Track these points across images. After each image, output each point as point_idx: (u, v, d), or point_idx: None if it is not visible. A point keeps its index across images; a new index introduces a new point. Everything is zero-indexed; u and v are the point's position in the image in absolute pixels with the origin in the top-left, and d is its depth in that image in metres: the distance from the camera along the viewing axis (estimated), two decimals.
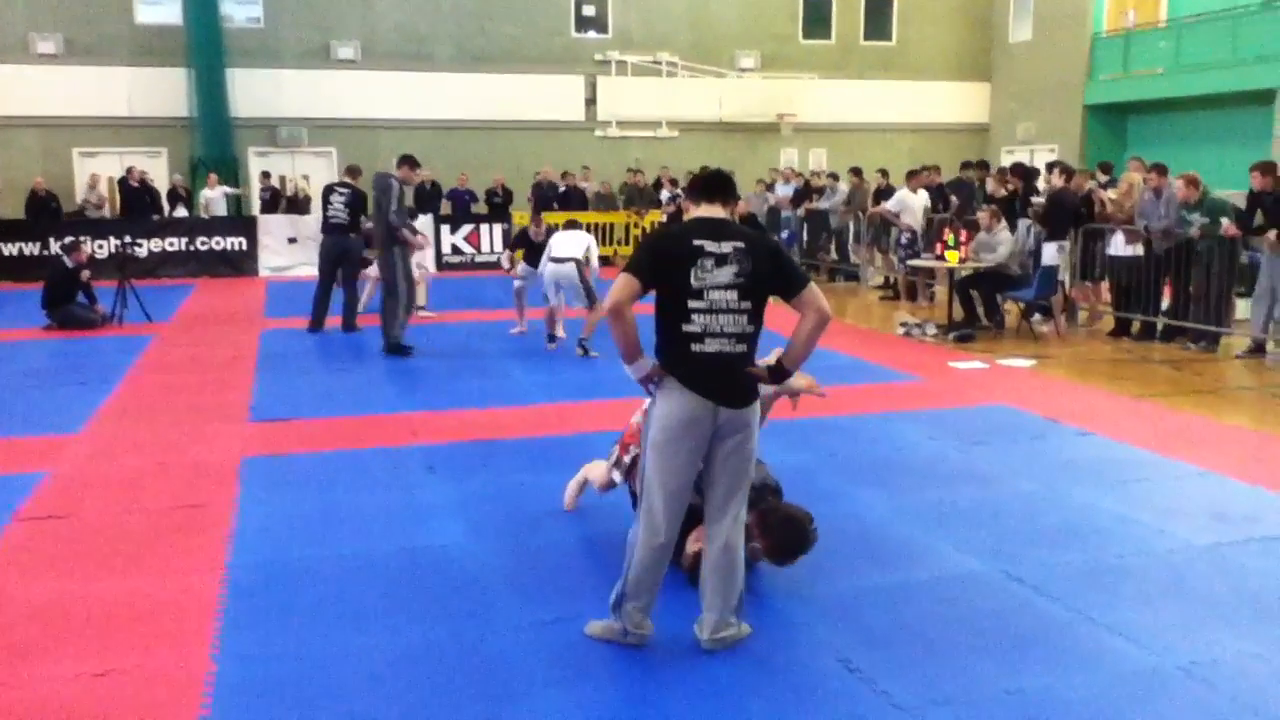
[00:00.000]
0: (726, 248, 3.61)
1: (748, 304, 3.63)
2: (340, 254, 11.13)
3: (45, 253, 15.97)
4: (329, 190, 11.37)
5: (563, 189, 19.24)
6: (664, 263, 3.61)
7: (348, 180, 11.33)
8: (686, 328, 3.59)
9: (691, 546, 4.31)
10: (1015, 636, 3.94)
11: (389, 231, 9.68)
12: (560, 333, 10.33)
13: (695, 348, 3.59)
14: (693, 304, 3.58)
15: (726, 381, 3.64)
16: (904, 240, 13.91)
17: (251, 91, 19.94)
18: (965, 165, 14.49)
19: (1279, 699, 3.45)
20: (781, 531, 4.28)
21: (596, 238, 12.32)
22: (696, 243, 3.60)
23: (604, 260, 11.93)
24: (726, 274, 3.59)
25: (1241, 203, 10.26)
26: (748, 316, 3.65)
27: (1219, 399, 8.18)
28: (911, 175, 14.46)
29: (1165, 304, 10.70)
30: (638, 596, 3.75)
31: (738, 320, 3.62)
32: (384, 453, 6.52)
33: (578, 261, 9.62)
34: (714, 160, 20.55)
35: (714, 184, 3.81)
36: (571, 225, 11.05)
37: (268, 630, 4.00)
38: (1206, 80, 19.00)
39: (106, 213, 18.21)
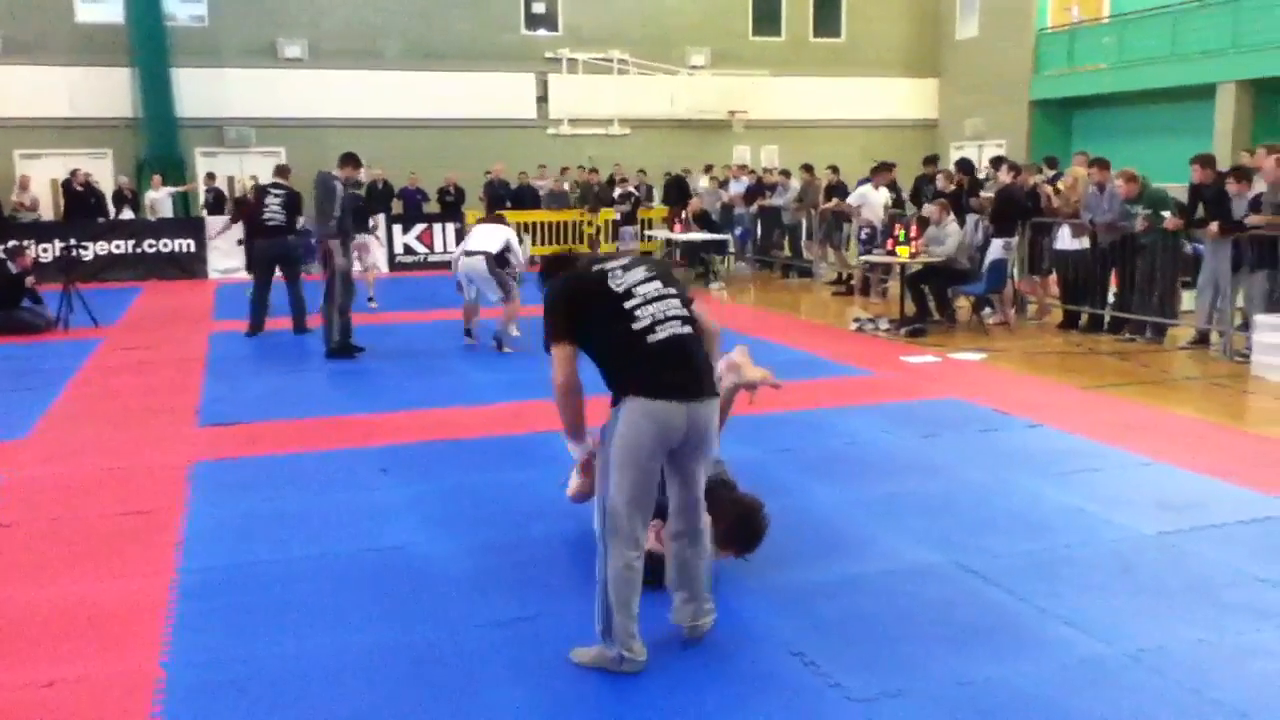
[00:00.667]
0: (623, 259, 3.78)
1: (672, 290, 3.70)
2: (279, 255, 10.98)
3: None
4: (262, 191, 11.28)
5: (514, 187, 19.17)
6: (580, 302, 3.65)
7: (280, 181, 11.21)
8: (636, 326, 3.58)
9: (649, 546, 4.30)
10: (966, 626, 3.98)
11: (327, 233, 9.54)
12: (475, 329, 10.32)
13: (650, 339, 3.58)
14: (629, 304, 3.60)
15: (688, 366, 3.62)
16: (863, 235, 14.03)
17: (197, 91, 19.67)
18: (928, 160, 14.61)
19: (1226, 684, 3.52)
20: (734, 521, 4.30)
21: (546, 238, 12.34)
22: (596, 268, 3.71)
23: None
24: (639, 272, 3.69)
25: (1183, 195, 10.46)
26: (679, 300, 3.70)
27: (1165, 389, 8.33)
28: (876, 171, 14.56)
29: (1112, 296, 10.87)
30: (627, 614, 3.61)
31: (671, 303, 3.66)
32: (337, 455, 6.46)
33: (487, 255, 9.68)
34: (668, 157, 20.65)
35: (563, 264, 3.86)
36: (496, 220, 11.04)
37: (219, 635, 3.95)
38: (1149, 75, 19.34)
39: (43, 215, 17.85)
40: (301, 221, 11.24)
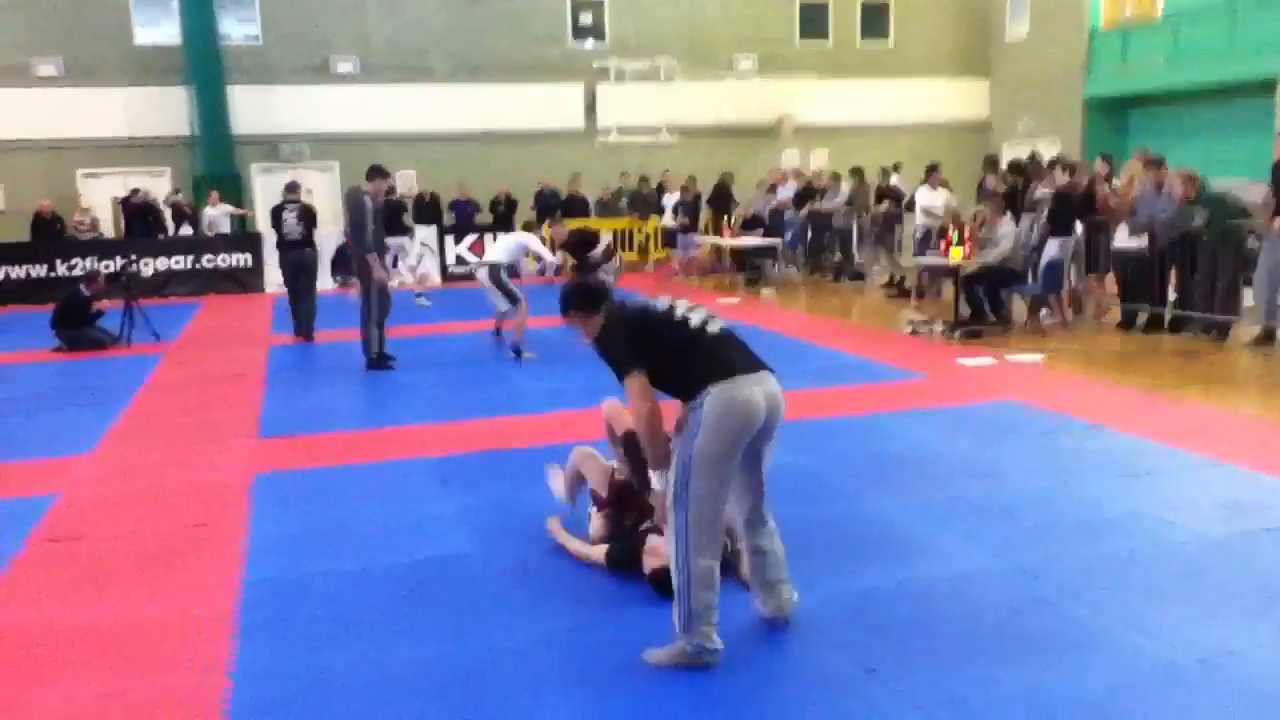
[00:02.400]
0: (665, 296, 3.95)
1: (700, 304, 3.91)
2: (301, 266, 11.89)
3: (52, 274, 16.06)
4: (279, 210, 12.09)
5: (564, 196, 19.26)
6: (636, 325, 3.80)
7: (292, 197, 12.08)
8: (693, 324, 3.76)
9: (650, 561, 4.33)
10: (1028, 633, 3.93)
11: (360, 249, 9.72)
12: (504, 333, 10.64)
13: (710, 329, 3.77)
14: (678, 313, 3.80)
15: (748, 348, 3.81)
16: (917, 236, 13.94)
17: (252, 108, 20.02)
18: (988, 163, 14.46)
19: None
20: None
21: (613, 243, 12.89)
22: (647, 306, 3.88)
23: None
24: (682, 303, 3.88)
25: (1244, 193, 10.25)
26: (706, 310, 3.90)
27: (1229, 388, 8.16)
28: (930, 172, 14.49)
29: (1172, 295, 10.68)
30: (711, 609, 3.66)
31: (711, 311, 3.88)
32: (393, 465, 6.53)
33: (491, 266, 10.12)
34: (715, 164, 20.60)
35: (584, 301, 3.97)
36: (527, 228, 11.70)
37: (282, 647, 4.01)
38: (1205, 70, 18.96)
39: (103, 234, 18.24)
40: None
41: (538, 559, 4.84)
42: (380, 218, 9.87)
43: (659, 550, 4.18)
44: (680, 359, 3.69)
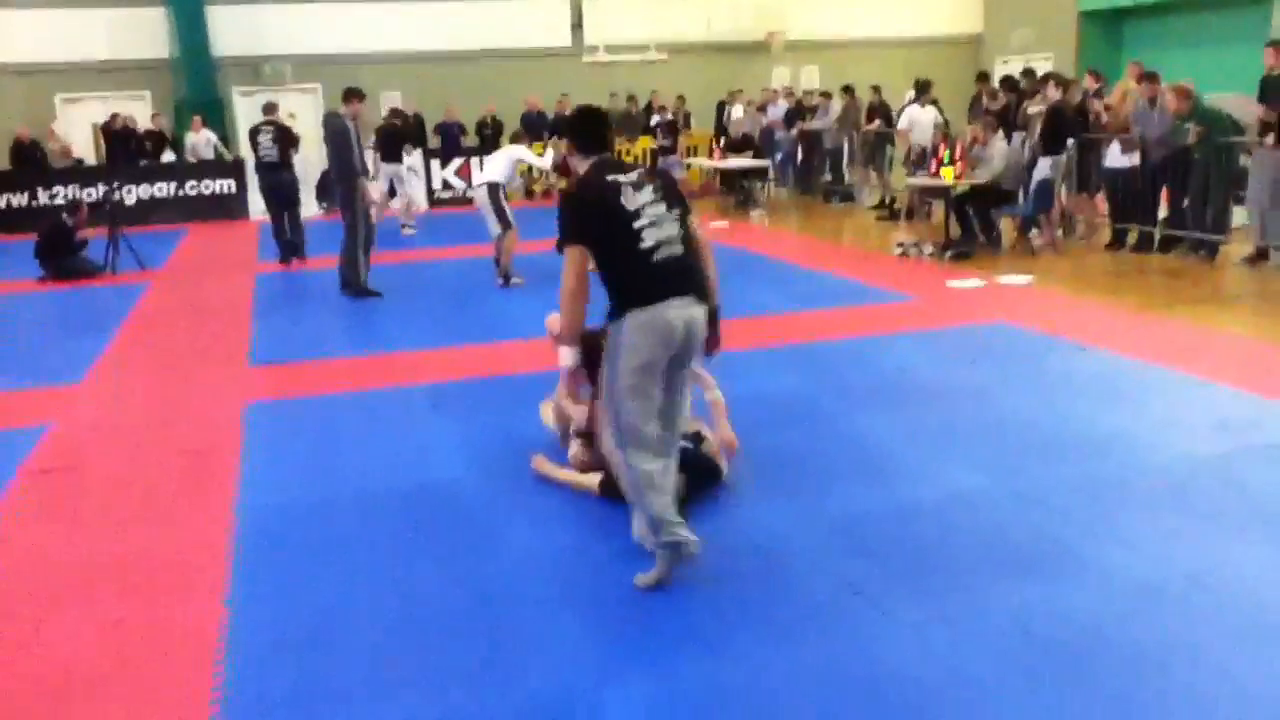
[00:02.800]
0: (634, 175, 3.86)
1: (676, 211, 3.85)
2: (276, 188, 11.76)
3: (34, 203, 15.83)
4: (255, 131, 11.97)
5: (551, 117, 19.01)
6: (595, 210, 3.78)
7: (270, 118, 11.92)
8: (642, 246, 3.74)
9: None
10: (1019, 551, 3.98)
11: (347, 173, 9.61)
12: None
13: (656, 259, 3.75)
14: (637, 224, 3.75)
15: (686, 279, 3.79)
16: (913, 158, 13.79)
17: (232, 28, 19.61)
18: (980, 78, 14.21)
19: None
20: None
21: None
22: (610, 179, 3.81)
23: None
24: (648, 192, 3.81)
25: (1237, 107, 10.15)
26: (679, 222, 3.85)
27: (1217, 308, 8.18)
28: (920, 90, 14.26)
29: (1162, 213, 10.63)
30: (670, 513, 3.79)
31: (674, 225, 3.82)
32: (386, 392, 6.53)
33: (489, 185, 9.85)
34: (705, 81, 20.32)
35: (597, 134, 4.00)
36: (515, 139, 11.12)
37: (279, 575, 4.04)
38: None
39: (85, 160, 17.99)
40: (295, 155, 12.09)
41: (533, 483, 4.88)
42: (359, 140, 9.73)
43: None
44: (620, 267, 3.76)
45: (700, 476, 4.56)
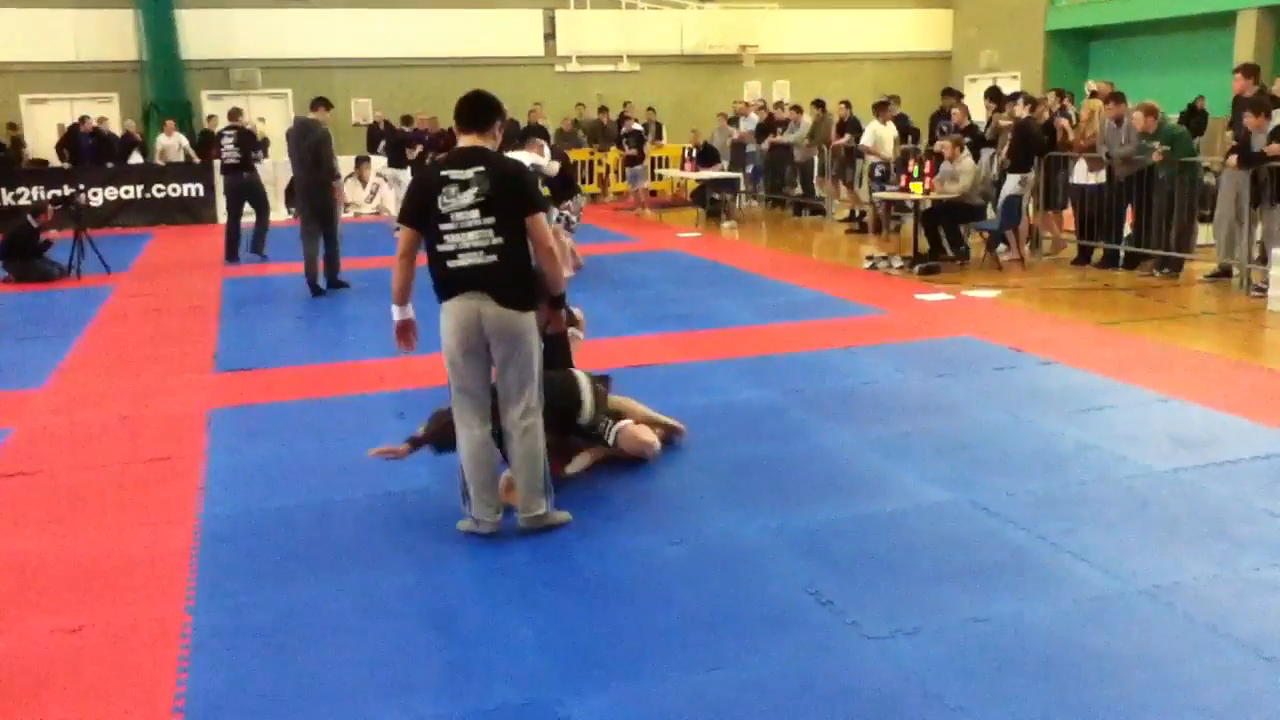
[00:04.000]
0: (469, 173, 4.13)
1: (491, 219, 4.12)
2: (239, 189, 12.45)
3: None
4: (219, 135, 13.02)
5: (524, 126, 18.99)
6: (421, 201, 4.21)
7: (232, 123, 12.62)
8: (441, 248, 4.15)
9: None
10: (981, 564, 4.01)
11: (325, 178, 10.09)
12: None
13: (451, 264, 4.16)
14: (443, 226, 4.14)
15: (479, 284, 4.15)
16: (877, 174, 13.89)
17: (202, 32, 19.49)
18: (946, 93, 14.34)
19: (1240, 619, 3.54)
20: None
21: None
22: (444, 173, 4.18)
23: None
24: (468, 196, 4.11)
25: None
26: (494, 230, 4.13)
27: (1180, 325, 8.28)
28: (880, 108, 14.37)
29: (1128, 230, 10.77)
30: (476, 486, 4.29)
31: (484, 234, 4.13)
32: (351, 400, 6.50)
33: None
34: (677, 94, 20.40)
35: (468, 114, 4.31)
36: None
37: (241, 581, 4.01)
38: (1167, 3, 18.96)
39: (51, 161, 17.84)
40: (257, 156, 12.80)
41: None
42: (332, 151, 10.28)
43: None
44: (429, 258, 4.23)
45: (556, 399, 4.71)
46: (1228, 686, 3.16)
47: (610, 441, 5.06)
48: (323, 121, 10.14)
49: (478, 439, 4.30)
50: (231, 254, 12.48)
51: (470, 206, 4.10)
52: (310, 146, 9.96)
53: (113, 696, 3.23)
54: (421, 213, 4.19)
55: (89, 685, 3.30)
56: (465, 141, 4.28)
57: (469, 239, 4.11)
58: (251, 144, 12.65)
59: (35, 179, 16.15)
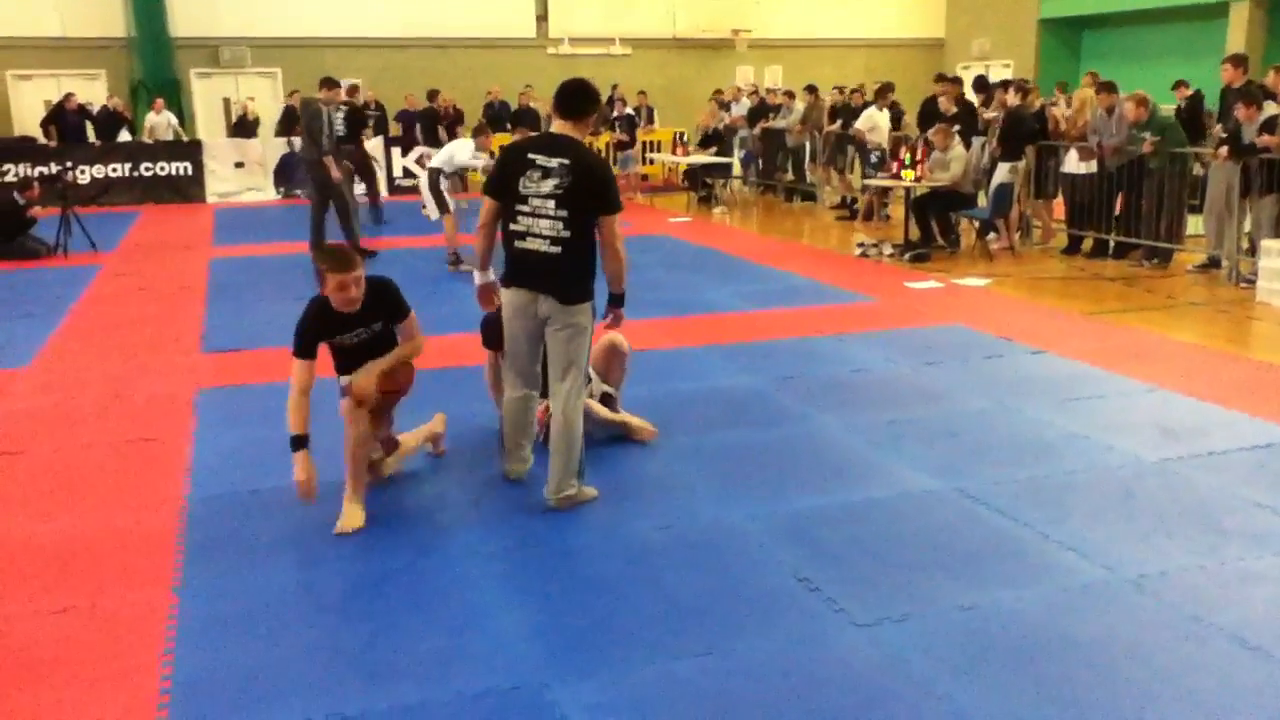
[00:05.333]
0: (554, 162, 4.23)
1: (565, 212, 4.21)
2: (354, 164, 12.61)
3: None
4: (321, 113, 12.83)
5: (514, 108, 18.93)
6: (505, 175, 4.33)
7: (348, 99, 12.97)
8: (514, 227, 4.29)
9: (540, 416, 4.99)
10: (969, 552, 4.02)
11: (316, 154, 10.46)
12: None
13: (518, 244, 4.30)
14: (519, 208, 4.27)
15: (542, 275, 4.29)
16: (873, 160, 13.87)
17: (191, 10, 19.34)
18: (939, 79, 14.32)
19: (1225, 609, 3.56)
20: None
21: None
22: (530, 156, 4.28)
23: None
24: (548, 185, 4.22)
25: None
26: (563, 223, 4.23)
27: (1169, 315, 8.31)
28: (880, 93, 14.34)
29: (1118, 211, 10.77)
30: (511, 440, 4.67)
31: (554, 225, 4.24)
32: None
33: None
34: (668, 78, 20.34)
35: (567, 101, 4.39)
36: (479, 132, 10.99)
37: (228, 563, 4.00)
38: None
39: (38, 139, 17.69)
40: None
41: (486, 477, 4.86)
42: (334, 130, 10.63)
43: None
44: (504, 225, 4.36)
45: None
46: (1212, 675, 3.17)
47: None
48: (331, 100, 10.58)
49: (517, 399, 4.60)
50: (349, 232, 10.89)
51: (548, 195, 4.21)
52: (306, 124, 10.53)
53: (99, 678, 3.22)
54: (503, 188, 4.33)
55: (75, 666, 3.29)
56: (557, 127, 4.37)
57: (540, 226, 4.24)
58: (361, 121, 13.01)
59: (21, 155, 16.01)
